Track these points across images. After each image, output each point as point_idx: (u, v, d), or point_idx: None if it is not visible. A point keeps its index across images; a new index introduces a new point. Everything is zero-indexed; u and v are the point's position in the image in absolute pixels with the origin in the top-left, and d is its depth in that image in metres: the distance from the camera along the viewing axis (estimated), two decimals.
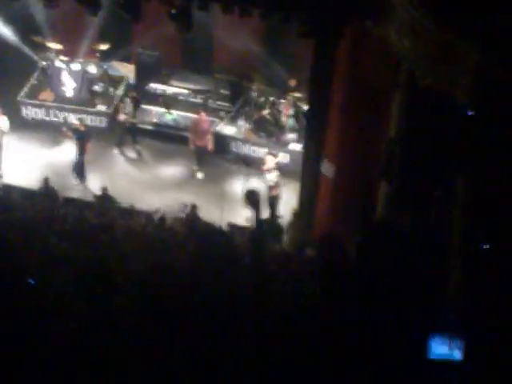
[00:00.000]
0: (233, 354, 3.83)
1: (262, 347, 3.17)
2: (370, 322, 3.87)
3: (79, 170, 17.94)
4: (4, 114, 18.30)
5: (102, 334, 4.13)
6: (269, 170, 17.76)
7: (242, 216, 16.68)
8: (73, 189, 17.84)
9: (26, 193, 16.24)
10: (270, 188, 17.54)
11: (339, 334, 3.37)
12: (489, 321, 4.82)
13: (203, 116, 19.24)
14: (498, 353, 4.02)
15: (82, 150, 18.14)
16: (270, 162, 17.86)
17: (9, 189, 16.49)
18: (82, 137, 18.16)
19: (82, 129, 18.28)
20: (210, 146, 19.05)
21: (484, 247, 8.96)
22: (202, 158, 19.18)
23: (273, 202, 17.47)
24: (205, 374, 4.03)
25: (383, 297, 4.00)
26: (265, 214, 16.84)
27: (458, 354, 4.04)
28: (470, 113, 10.99)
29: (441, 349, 4.02)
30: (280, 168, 17.99)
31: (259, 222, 5.34)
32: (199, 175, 19.04)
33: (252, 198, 5.32)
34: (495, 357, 3.94)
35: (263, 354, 3.29)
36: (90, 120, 20.70)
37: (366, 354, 3.61)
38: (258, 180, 17.82)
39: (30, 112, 20.64)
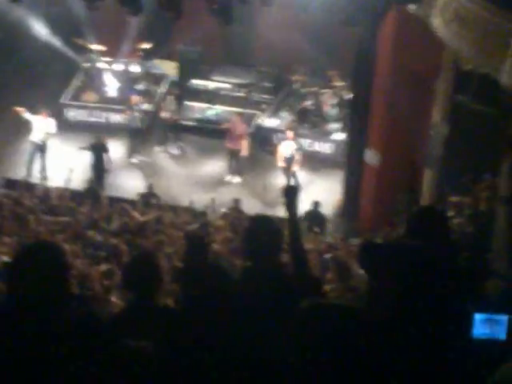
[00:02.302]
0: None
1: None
2: (413, 304, 3.73)
3: (98, 178, 17.79)
4: (49, 116, 18.39)
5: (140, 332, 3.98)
6: (287, 142, 18.00)
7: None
8: (117, 188, 17.84)
9: (71, 194, 16.25)
10: (288, 160, 17.82)
11: (384, 316, 3.22)
12: None
13: (237, 120, 18.89)
14: None
15: (98, 163, 18.00)
16: (290, 135, 18.06)
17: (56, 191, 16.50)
18: (99, 151, 18.03)
19: (100, 144, 18.13)
20: (244, 151, 18.62)
21: None
22: (232, 161, 18.82)
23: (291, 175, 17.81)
24: None
25: (427, 278, 3.84)
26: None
27: (502, 334, 3.92)
28: None
29: (484, 328, 3.90)
30: (298, 143, 18.24)
31: (292, 221, 5.18)
32: (235, 179, 18.78)
33: (289, 194, 5.18)
34: None
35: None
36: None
37: (409, 335, 3.47)
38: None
39: (73, 113, 20.75)
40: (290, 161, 17.90)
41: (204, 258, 5.37)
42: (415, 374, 3.27)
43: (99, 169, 17.85)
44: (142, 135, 19.42)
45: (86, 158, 17.94)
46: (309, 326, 2.89)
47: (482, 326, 3.85)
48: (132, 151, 19.44)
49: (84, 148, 18.06)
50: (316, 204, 16.33)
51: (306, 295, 4.63)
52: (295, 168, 17.90)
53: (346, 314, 2.95)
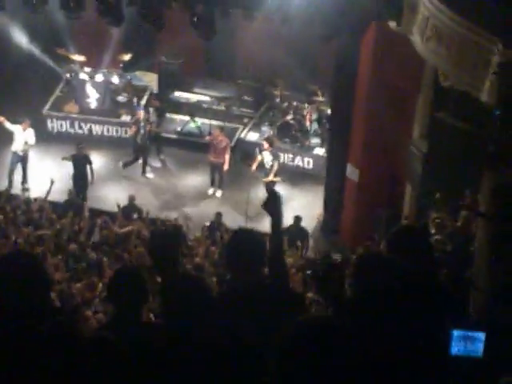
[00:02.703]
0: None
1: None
2: (392, 321, 3.78)
3: (79, 192, 17.73)
4: (30, 126, 18.31)
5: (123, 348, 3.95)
6: (264, 152, 18.17)
7: (268, 222, 16.64)
8: (99, 200, 17.79)
9: (52, 206, 16.21)
10: (265, 171, 18.05)
11: (364, 335, 3.27)
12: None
13: (219, 134, 18.85)
14: None
15: (80, 174, 17.96)
16: (265, 145, 18.22)
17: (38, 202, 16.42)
18: (81, 162, 17.97)
19: (82, 155, 18.07)
20: (226, 166, 18.61)
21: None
22: (215, 174, 18.87)
23: (269, 187, 17.82)
24: None
25: (406, 296, 3.91)
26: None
27: (479, 351, 3.98)
28: (496, 112, 10.85)
29: (462, 345, 3.95)
30: (274, 153, 18.28)
31: (276, 229, 5.20)
32: (217, 193, 18.87)
33: (272, 201, 5.18)
34: None
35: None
36: (114, 130, 20.78)
37: (388, 354, 3.52)
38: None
39: (55, 124, 20.73)
40: (267, 171, 18.04)
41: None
42: None
43: (81, 180, 17.80)
44: (146, 151, 19.29)
45: (69, 169, 17.87)
46: (306, 341, 2.90)
47: (460, 343, 3.90)
48: (146, 166, 19.38)
49: (66, 158, 18.01)
50: (297, 219, 16.34)
51: (288, 308, 4.69)
52: (273, 178, 17.98)
53: (337, 329, 2.96)
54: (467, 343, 3.96)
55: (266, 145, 18.21)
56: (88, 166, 17.92)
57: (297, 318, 3.12)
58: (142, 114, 19.31)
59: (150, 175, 19.31)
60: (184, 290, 4.41)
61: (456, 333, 3.96)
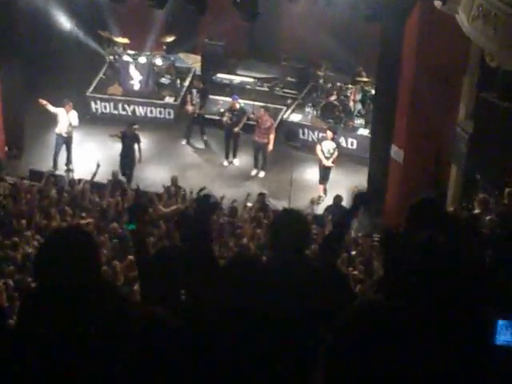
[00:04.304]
0: None
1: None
2: (434, 309, 3.70)
3: (125, 170, 17.84)
4: (73, 108, 18.41)
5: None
6: (327, 142, 17.99)
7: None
8: (142, 181, 17.85)
9: (95, 186, 16.29)
10: (326, 158, 17.86)
11: (408, 322, 3.20)
12: None
13: (264, 114, 18.72)
14: None
15: (128, 153, 18.00)
16: (329, 135, 18.04)
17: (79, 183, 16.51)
18: (130, 140, 18.03)
19: (132, 133, 18.12)
20: (271, 146, 18.57)
21: None
22: (258, 154, 18.82)
23: (326, 173, 17.86)
24: None
25: (448, 283, 3.81)
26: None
27: None
28: None
29: (508, 334, 3.81)
30: (337, 142, 18.22)
31: (349, 217, 5.38)
32: (260, 174, 18.86)
33: (363, 198, 5.38)
34: None
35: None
36: (158, 112, 20.85)
37: (431, 342, 3.43)
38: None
39: (98, 106, 20.83)
40: (325, 156, 17.95)
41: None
42: (434, 379, 3.24)
43: (128, 158, 17.90)
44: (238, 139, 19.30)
45: (112, 151, 17.96)
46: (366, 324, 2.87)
47: (506, 332, 3.73)
48: (234, 152, 19.44)
49: (115, 135, 18.09)
50: (338, 198, 16.25)
51: (332, 289, 4.66)
52: (330, 164, 17.90)
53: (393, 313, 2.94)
54: None
55: (330, 135, 18.10)
56: (136, 145, 18.02)
57: (353, 304, 3.09)
58: (237, 104, 19.28)
59: (237, 161, 19.40)
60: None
61: (501, 322, 3.80)
